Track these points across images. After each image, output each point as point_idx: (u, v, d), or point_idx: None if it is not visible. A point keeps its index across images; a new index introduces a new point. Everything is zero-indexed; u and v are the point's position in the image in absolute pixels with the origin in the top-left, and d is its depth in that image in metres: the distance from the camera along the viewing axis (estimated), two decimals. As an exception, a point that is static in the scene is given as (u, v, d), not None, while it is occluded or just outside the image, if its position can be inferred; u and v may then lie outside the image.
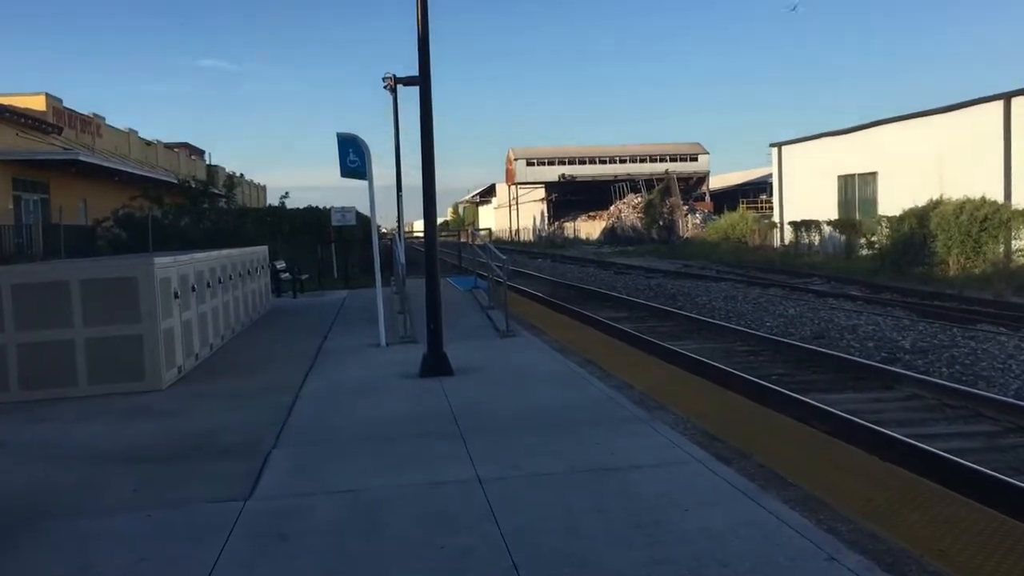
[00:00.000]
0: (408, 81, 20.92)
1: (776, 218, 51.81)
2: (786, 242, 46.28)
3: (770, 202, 63.54)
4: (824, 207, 43.88)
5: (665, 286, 24.63)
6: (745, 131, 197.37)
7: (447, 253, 44.32)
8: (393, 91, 20.99)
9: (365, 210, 37.23)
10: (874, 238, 32.12)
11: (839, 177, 45.18)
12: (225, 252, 13.74)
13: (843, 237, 37.42)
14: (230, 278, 13.39)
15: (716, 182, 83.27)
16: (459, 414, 7.23)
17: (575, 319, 16.20)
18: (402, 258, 13.01)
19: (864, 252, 34.14)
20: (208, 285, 11.63)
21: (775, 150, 54.49)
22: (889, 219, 31.01)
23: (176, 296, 9.75)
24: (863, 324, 15.20)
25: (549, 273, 32.61)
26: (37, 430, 7.39)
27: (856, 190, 45.22)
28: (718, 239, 48.25)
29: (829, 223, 39.66)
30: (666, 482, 5.23)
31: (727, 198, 75.41)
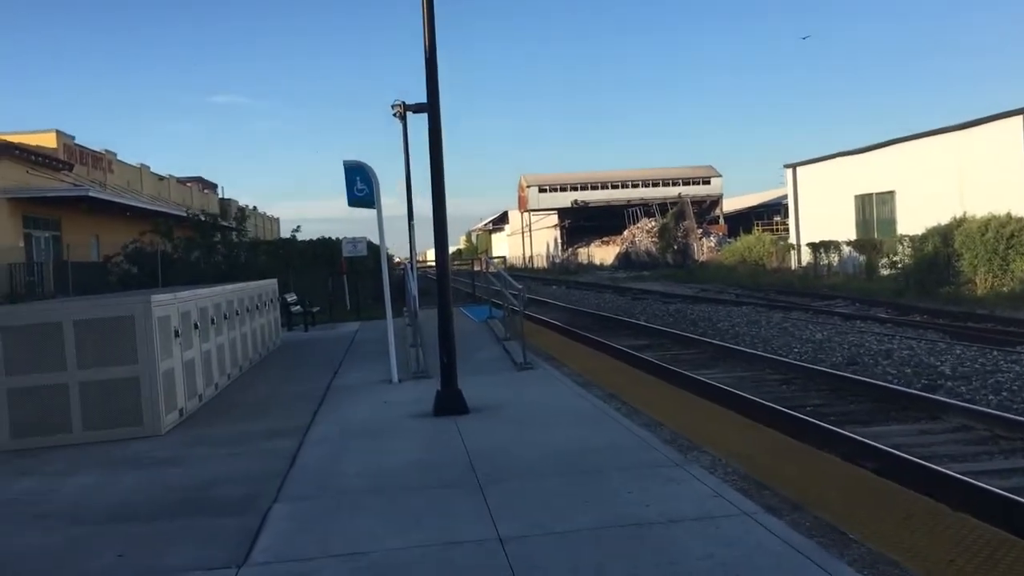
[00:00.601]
0: (417, 108, 20.48)
1: (792, 239, 51.13)
2: (804, 263, 45.60)
3: (785, 223, 62.86)
4: (841, 227, 43.24)
5: (685, 312, 24.02)
6: (757, 153, 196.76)
7: (460, 282, 43.85)
8: (403, 119, 20.56)
9: (377, 240, 36.97)
10: (896, 258, 31.45)
11: (856, 197, 44.59)
12: (232, 286, 13.28)
13: (863, 257, 36.74)
14: (237, 313, 12.91)
15: (730, 204, 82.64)
16: (476, 460, 6.65)
17: (594, 348, 15.63)
18: (414, 289, 12.49)
19: (885, 272, 33.45)
20: (213, 321, 11.15)
21: (789, 171, 53.96)
22: (911, 238, 30.34)
23: (177, 335, 9.26)
24: (897, 348, 14.54)
25: (565, 300, 32.05)
26: (23, 484, 6.87)
27: (874, 209, 44.56)
28: (735, 262, 47.58)
29: (848, 243, 38.98)
30: (711, 540, 4.64)
31: (741, 220, 74.70)
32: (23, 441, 8.29)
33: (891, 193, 40.10)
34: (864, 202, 44.90)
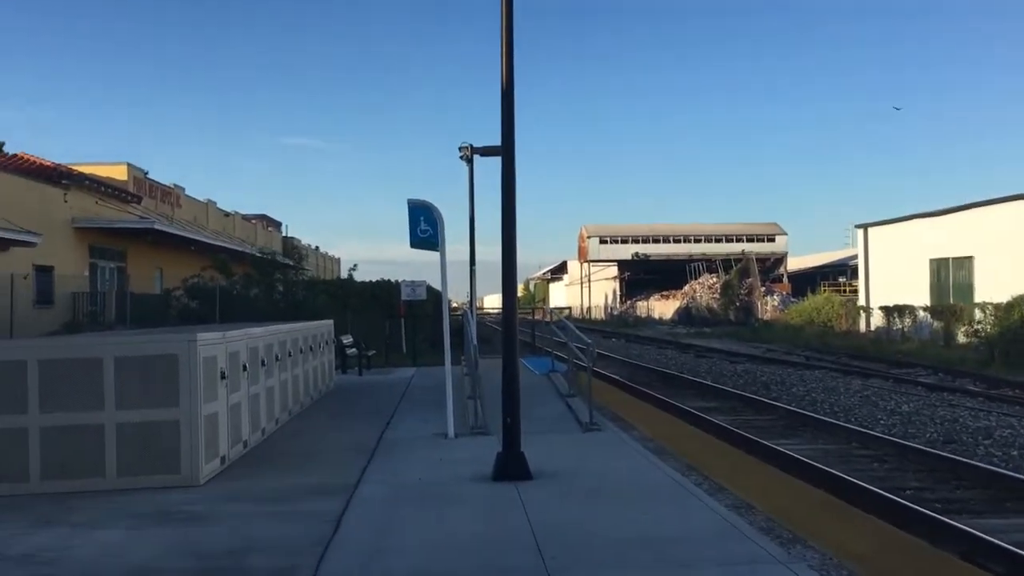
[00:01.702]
0: (486, 151, 20.04)
1: (862, 301, 49.46)
2: (874, 327, 43.88)
3: (852, 284, 61.04)
4: (914, 291, 41.65)
5: (754, 372, 22.85)
6: (822, 212, 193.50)
7: (520, 331, 43.19)
8: (469, 162, 20.12)
9: (436, 284, 36.54)
10: (978, 325, 29.87)
11: (931, 260, 43.01)
12: (286, 326, 12.73)
13: (939, 324, 35.08)
14: (289, 355, 12.34)
15: (794, 263, 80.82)
16: (543, 540, 5.81)
17: (661, 408, 14.68)
18: (475, 337, 11.76)
19: (964, 340, 31.82)
20: (263, 363, 10.56)
21: (860, 232, 52.45)
22: (995, 306, 28.79)
23: (223, 376, 8.65)
24: (996, 426, 13.30)
25: (624, 354, 31.03)
26: (38, 538, 6.23)
27: (950, 274, 42.87)
28: (802, 322, 46.04)
29: (925, 309, 37.32)
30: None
31: (806, 280, 72.95)
32: (53, 484, 7.71)
33: (969, 258, 38.48)
34: (939, 266, 43.24)
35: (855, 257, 71.14)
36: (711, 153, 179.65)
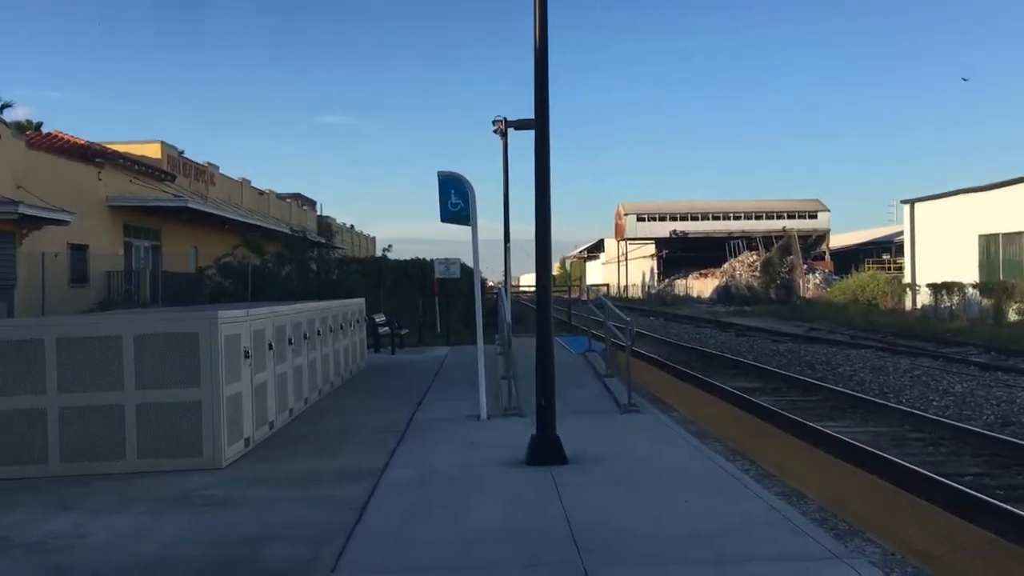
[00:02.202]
0: (520, 124, 19.57)
1: (908, 279, 48.27)
2: (919, 305, 42.76)
3: (896, 262, 59.61)
4: (962, 268, 40.49)
5: (797, 352, 22.22)
6: (864, 188, 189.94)
7: (555, 309, 42.72)
8: (504, 135, 19.68)
9: (470, 261, 36.17)
10: (1032, 303, 28.90)
11: (980, 236, 41.82)
12: (315, 304, 12.44)
13: (989, 301, 34.03)
14: (318, 333, 12.04)
15: (836, 241, 79.14)
16: (579, 532, 5.41)
17: (703, 390, 14.21)
18: (508, 316, 11.35)
19: (1015, 318, 30.82)
20: (290, 342, 10.26)
21: (906, 208, 51.18)
22: (1050, 283, 27.80)
23: (247, 356, 8.35)
24: (1057, 408, 12.65)
25: (663, 333, 30.46)
26: (54, 523, 5.96)
27: (1000, 250, 41.65)
28: (845, 300, 45.00)
29: (974, 286, 36.23)
30: None
31: (848, 258, 71.45)
32: (73, 466, 7.47)
33: (1020, 234, 37.30)
34: (989, 242, 42.01)
35: (900, 234, 69.59)
36: (749, 130, 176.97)
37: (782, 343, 25.36)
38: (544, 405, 7.62)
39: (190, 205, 31.12)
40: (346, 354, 14.40)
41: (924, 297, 41.13)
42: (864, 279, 47.52)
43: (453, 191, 10.03)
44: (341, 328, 14.00)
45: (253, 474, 7.37)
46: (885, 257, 66.66)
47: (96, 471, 7.43)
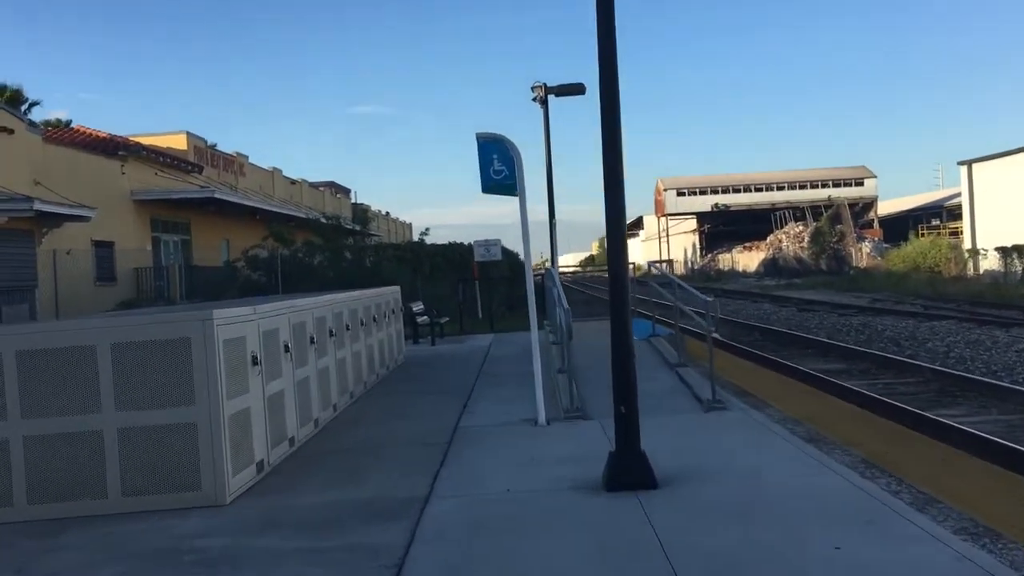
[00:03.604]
0: (562, 90, 17.90)
1: (968, 244, 45.80)
2: (982, 271, 40.41)
3: (948, 227, 56.91)
4: (1027, 229, 38.17)
5: (872, 326, 20.31)
6: (908, 153, 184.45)
7: (598, 288, 40.92)
8: (544, 103, 18.02)
9: (510, 244, 34.49)
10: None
11: (1048, 195, 39.41)
12: (342, 296, 10.96)
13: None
14: (347, 328, 10.57)
15: (883, 208, 76.28)
16: (703, 606, 3.83)
17: (786, 375, 12.52)
18: (563, 298, 9.74)
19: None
20: (312, 341, 8.78)
21: (963, 169, 48.65)
22: None
23: (255, 362, 6.87)
24: None
25: (719, 310, 28.58)
26: (-9, 602, 4.54)
27: (1071, 209, 39.29)
28: (906, 268, 42.66)
29: (1051, 247, 33.94)
30: None
31: (896, 225, 68.87)
32: (44, 509, 6.05)
33: (1100, 190, 34.83)
34: (1058, 201, 39.64)
35: (950, 198, 66.88)
36: (788, 98, 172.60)
37: (851, 316, 23.42)
38: (625, 413, 6.02)
39: (217, 196, 29.90)
40: (381, 349, 12.94)
41: (991, 262, 38.79)
42: (924, 245, 45.18)
43: (496, 156, 8.46)
44: (375, 320, 12.53)
45: (263, 513, 5.88)
46: (936, 223, 63.92)
47: (73, 513, 6.01)
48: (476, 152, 8.34)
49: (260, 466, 6.87)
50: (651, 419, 7.62)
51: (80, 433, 6.08)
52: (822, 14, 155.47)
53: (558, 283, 10.97)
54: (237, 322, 6.60)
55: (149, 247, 28.84)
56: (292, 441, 7.82)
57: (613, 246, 6.27)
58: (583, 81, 17.56)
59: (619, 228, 6.23)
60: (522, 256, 9.38)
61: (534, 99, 18.13)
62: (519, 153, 8.47)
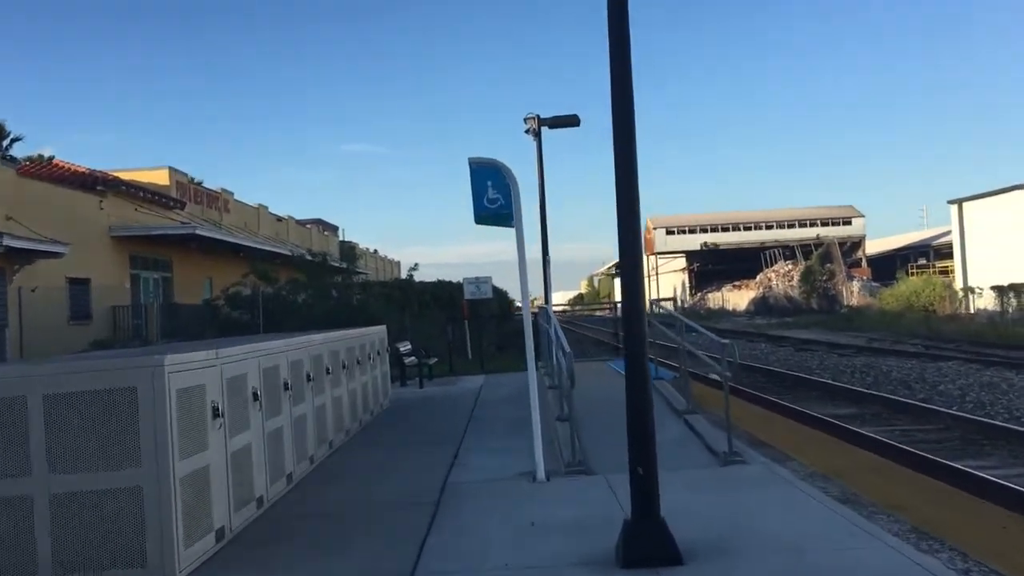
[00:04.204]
0: (557, 122, 17.28)
1: (959, 282, 45.46)
2: (973, 310, 39.91)
3: (937, 266, 56.71)
4: (1020, 268, 37.90)
5: (877, 367, 19.56)
6: (892, 193, 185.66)
7: (597, 329, 40.09)
8: (537, 135, 17.38)
9: (499, 282, 33.67)
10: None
11: (1047, 232, 39.27)
12: (322, 336, 10.11)
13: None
14: (327, 372, 9.72)
15: (870, 247, 76.50)
16: None
17: (792, 418, 11.73)
18: (563, 339, 8.93)
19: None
20: (287, 387, 7.94)
21: (953, 208, 48.59)
22: None
23: (217, 413, 6.02)
24: None
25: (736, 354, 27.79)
26: None
27: (1063, 248, 39.10)
28: (899, 307, 42.09)
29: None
30: None
31: (883, 264, 68.99)
32: (-39, 588, 5.16)
33: (1096, 227, 34.58)
34: (1056, 238, 39.47)
35: (937, 237, 67.03)
36: (773, 137, 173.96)
37: (852, 357, 22.68)
38: (643, 475, 5.20)
39: (199, 232, 29.07)
40: (365, 393, 12.07)
41: (987, 300, 38.30)
42: (918, 284, 44.74)
43: (490, 183, 7.71)
44: (358, 363, 11.68)
45: (218, 595, 5.00)
46: (922, 261, 63.84)
47: (-5, 595, 5.12)
48: (468, 181, 7.57)
49: (220, 534, 5.98)
50: (663, 474, 6.80)
51: (6, 499, 5.20)
52: (810, 54, 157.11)
53: (555, 323, 10.15)
54: (195, 368, 5.76)
55: (128, 284, 27.91)
56: (260, 501, 6.94)
57: (629, 278, 5.47)
58: (579, 113, 16.95)
59: (635, 258, 5.45)
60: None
61: (527, 131, 17.49)
62: (516, 181, 7.72)
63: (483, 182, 7.70)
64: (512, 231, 7.74)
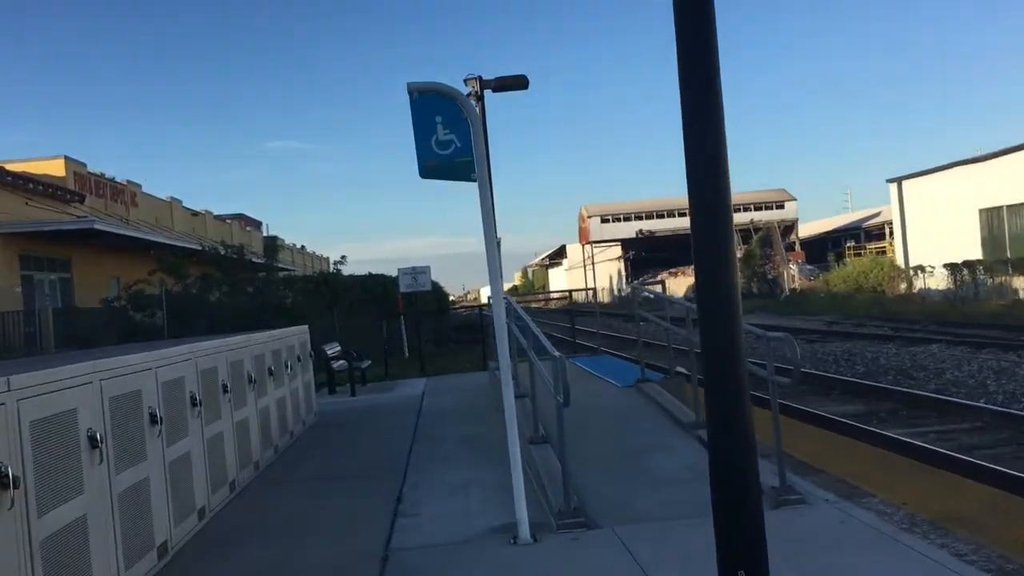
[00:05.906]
0: (502, 84, 14.95)
1: (900, 261, 44.82)
2: (916, 288, 39.18)
3: (871, 247, 56.56)
4: (962, 246, 37.26)
5: (859, 354, 17.79)
6: (817, 176, 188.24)
7: (550, 324, 37.94)
8: (480, 99, 15.06)
9: (438, 275, 31.34)
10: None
11: (981, 211, 38.69)
12: (216, 343, 7.65)
13: (996, 279, 30.66)
14: (225, 390, 7.31)
15: (802, 231, 76.60)
16: None
17: (804, 421, 9.72)
18: (546, 342, 6.62)
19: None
20: (156, 420, 5.52)
21: (893, 187, 47.92)
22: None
23: (12, 484, 3.61)
24: None
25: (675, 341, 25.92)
26: None
27: (1005, 224, 38.50)
28: (848, 289, 41.01)
29: (1005, 262, 32.72)
30: None
31: (815, 246, 68.91)
32: None
33: (1027, 204, 34.12)
34: (992, 216, 38.84)
35: (869, 218, 67.11)
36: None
37: (820, 343, 20.94)
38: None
39: (98, 227, 25.94)
40: (281, 410, 9.65)
41: (938, 280, 37.45)
42: (866, 264, 43.82)
43: (440, 120, 5.38)
44: (270, 374, 9.25)
45: None
46: (851, 244, 63.85)
47: None
48: (406, 87, 5.23)
49: None
50: (687, 523, 4.68)
51: None
52: (745, 43, 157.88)
53: (525, 316, 7.83)
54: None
55: (18, 288, 24.73)
56: (108, 600, 4.54)
57: (711, 255, 3.23)
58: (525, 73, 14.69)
59: (722, 226, 3.20)
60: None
61: (468, 95, 15.20)
62: (477, 115, 5.43)
63: (430, 118, 5.38)
64: (472, 186, 5.41)
